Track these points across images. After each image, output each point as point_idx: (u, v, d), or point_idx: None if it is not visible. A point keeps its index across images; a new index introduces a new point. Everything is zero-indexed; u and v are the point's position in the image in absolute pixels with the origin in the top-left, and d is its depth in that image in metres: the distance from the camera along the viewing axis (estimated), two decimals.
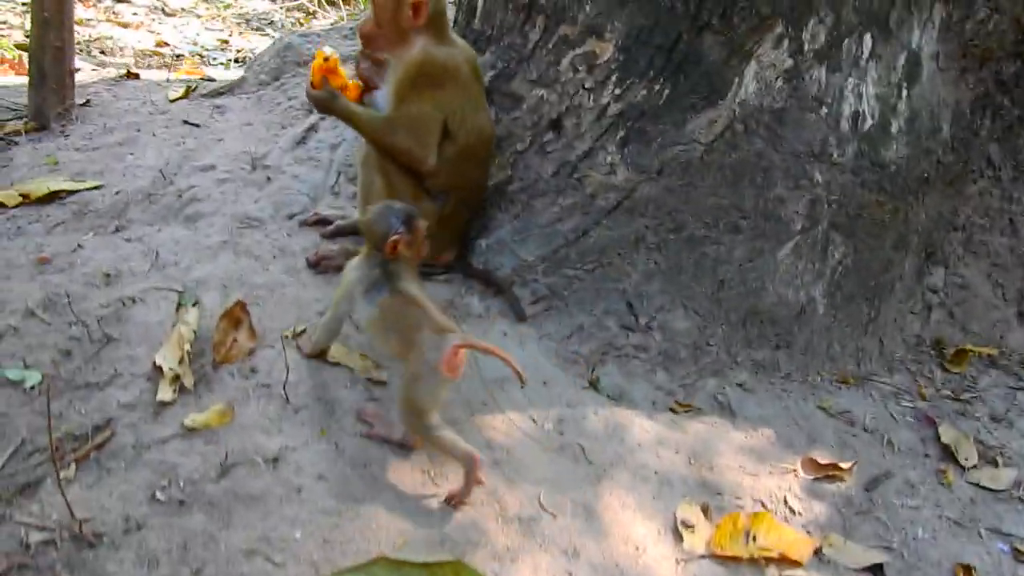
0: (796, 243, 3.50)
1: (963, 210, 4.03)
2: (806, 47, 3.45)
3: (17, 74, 5.45)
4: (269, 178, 3.71)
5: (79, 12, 7.80)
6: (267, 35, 10.69)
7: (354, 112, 3.15)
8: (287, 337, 2.82)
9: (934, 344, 3.84)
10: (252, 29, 10.78)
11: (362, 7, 13.06)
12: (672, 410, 3.09)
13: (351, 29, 4.88)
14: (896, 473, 3.05)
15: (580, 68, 3.47)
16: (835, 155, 3.50)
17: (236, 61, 8.94)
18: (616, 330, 3.26)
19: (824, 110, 3.50)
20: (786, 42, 3.41)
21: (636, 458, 2.79)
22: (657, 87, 3.40)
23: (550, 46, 3.53)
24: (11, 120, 4.52)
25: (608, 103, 3.42)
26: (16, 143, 4.16)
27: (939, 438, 3.24)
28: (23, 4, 8.20)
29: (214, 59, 8.77)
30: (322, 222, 3.45)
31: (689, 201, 3.40)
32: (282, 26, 11.30)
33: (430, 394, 2.36)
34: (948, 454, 3.20)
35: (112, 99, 4.82)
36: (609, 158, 3.39)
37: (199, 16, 10.73)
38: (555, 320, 3.24)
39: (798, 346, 3.53)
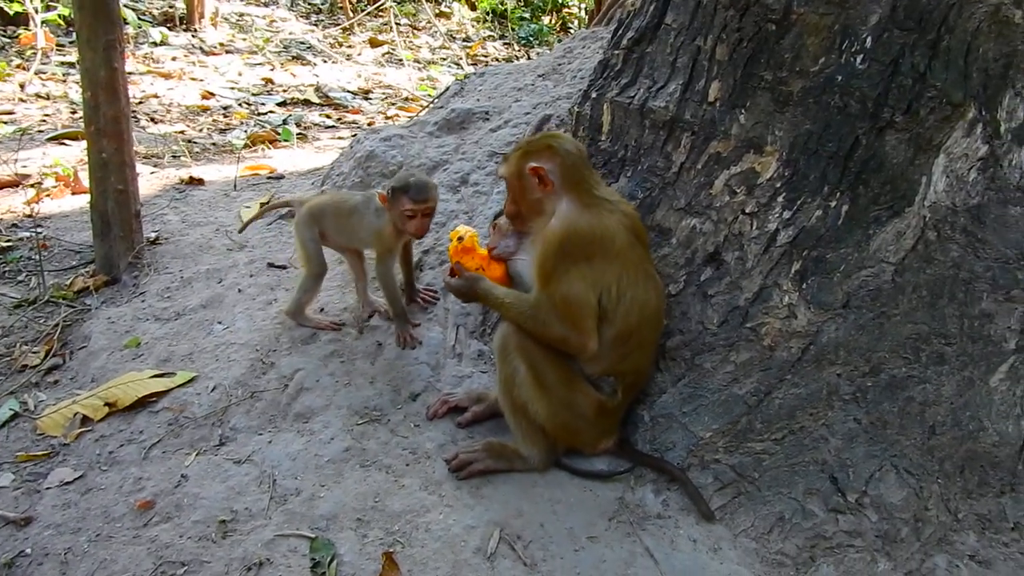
0: (1011, 365, 2.91)
1: None
2: (1002, 127, 2.84)
3: (74, 193, 5.02)
4: (379, 343, 3.21)
5: None
6: (308, 63, 10.26)
7: (497, 297, 2.67)
8: None
9: None
10: (292, 59, 10.37)
11: (398, 18, 12.56)
12: None
13: (435, 124, 4.32)
14: None
15: (738, 190, 2.89)
16: None
17: (284, 104, 8.53)
18: (823, 515, 2.71)
19: None
20: (979, 127, 2.80)
21: None
22: (833, 204, 2.81)
23: (699, 167, 2.95)
24: (79, 269, 4.09)
25: (776, 229, 2.84)
26: (88, 309, 3.72)
27: None
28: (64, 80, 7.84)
29: (262, 105, 8.37)
30: (454, 410, 2.95)
31: (884, 335, 2.82)
32: (321, 51, 10.85)
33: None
34: None
35: (181, 226, 4.36)
36: (786, 297, 2.82)
37: (238, 51, 10.32)
38: (749, 511, 2.71)
39: None
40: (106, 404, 3.05)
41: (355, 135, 6.99)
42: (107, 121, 3.78)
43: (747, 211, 2.88)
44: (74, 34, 8.43)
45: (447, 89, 5.13)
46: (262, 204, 4.49)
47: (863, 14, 2.70)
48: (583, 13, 13.30)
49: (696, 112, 2.93)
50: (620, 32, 3.27)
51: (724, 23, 2.86)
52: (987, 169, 2.84)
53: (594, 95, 3.27)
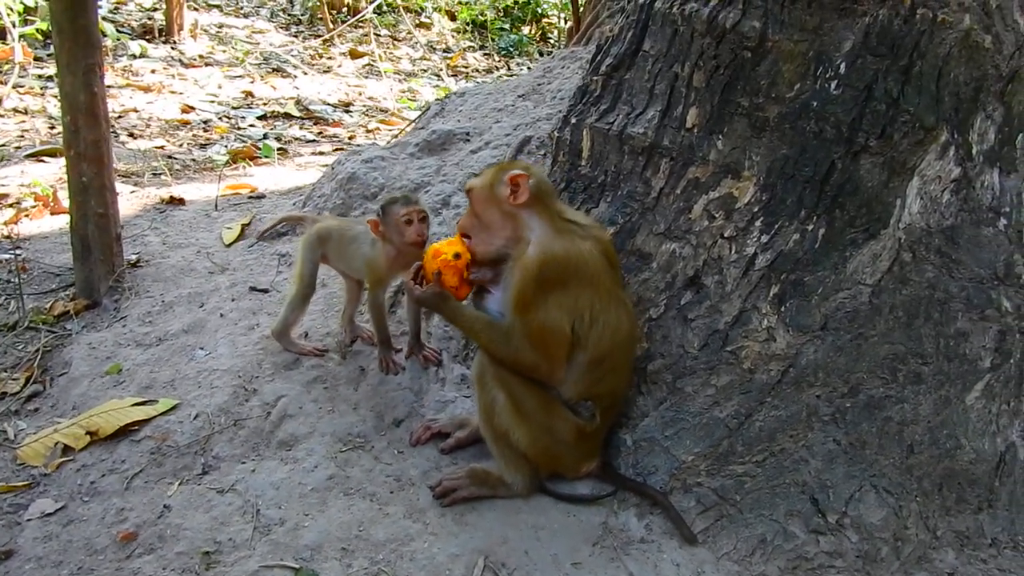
0: (987, 383, 2.95)
1: None
2: (974, 150, 2.89)
3: (53, 213, 4.99)
4: (362, 368, 3.22)
5: None
6: (289, 75, 10.22)
7: (466, 318, 2.68)
8: None
9: None
10: (272, 71, 10.33)
11: (378, 29, 12.57)
12: None
13: (416, 145, 4.34)
14: None
15: (716, 215, 2.92)
16: (1023, 274, 2.94)
17: (264, 118, 8.50)
18: (804, 536, 2.74)
19: (1003, 221, 2.95)
20: (952, 149, 2.85)
21: None
22: (810, 227, 2.85)
23: (678, 192, 2.98)
24: (58, 292, 4.07)
25: (755, 253, 2.87)
26: (69, 334, 3.70)
27: None
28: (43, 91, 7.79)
29: (242, 119, 8.33)
30: (437, 436, 2.96)
31: (861, 356, 2.85)
32: (301, 61, 10.82)
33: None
34: None
35: (162, 248, 4.35)
36: (765, 321, 2.85)
37: (218, 63, 10.27)
38: (731, 533, 2.74)
39: (1001, 503, 2.99)
40: (87, 433, 3.03)
41: (337, 150, 7.00)
42: (87, 145, 3.77)
43: (726, 235, 2.91)
44: (52, 48, 8.39)
45: (428, 108, 5.14)
46: (244, 226, 4.49)
47: (836, 41, 2.75)
48: (563, 23, 13.34)
49: (674, 138, 2.96)
50: (599, 58, 3.30)
51: (701, 50, 2.89)
52: (960, 191, 2.89)
53: (574, 120, 3.30)
